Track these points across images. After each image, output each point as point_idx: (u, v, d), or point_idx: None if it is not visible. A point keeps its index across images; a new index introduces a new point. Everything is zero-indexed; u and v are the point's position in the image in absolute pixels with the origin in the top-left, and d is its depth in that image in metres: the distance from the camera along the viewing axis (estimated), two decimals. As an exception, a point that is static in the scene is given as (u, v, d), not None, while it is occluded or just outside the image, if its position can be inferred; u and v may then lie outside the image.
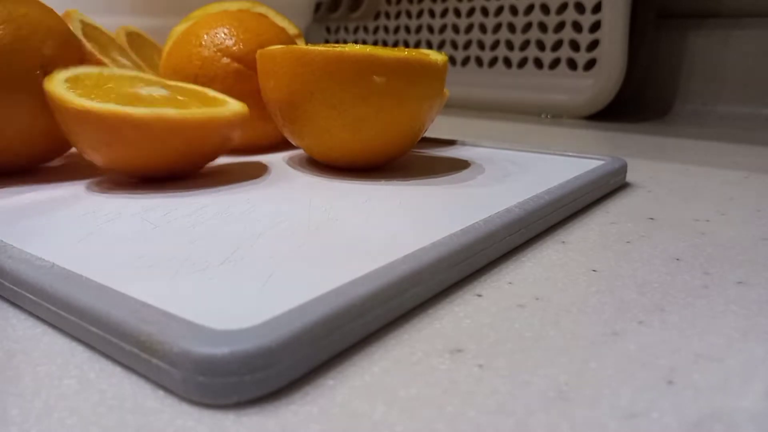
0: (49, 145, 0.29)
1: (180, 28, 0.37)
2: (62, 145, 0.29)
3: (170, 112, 0.25)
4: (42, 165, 0.31)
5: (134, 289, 0.15)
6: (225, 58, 0.33)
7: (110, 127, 0.24)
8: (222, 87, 0.33)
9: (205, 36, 0.34)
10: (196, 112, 0.26)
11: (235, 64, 0.33)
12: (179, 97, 0.28)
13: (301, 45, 0.35)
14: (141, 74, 0.30)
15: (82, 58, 0.30)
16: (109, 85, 0.27)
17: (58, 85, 0.25)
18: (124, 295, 0.15)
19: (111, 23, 0.44)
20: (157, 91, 0.28)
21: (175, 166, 0.27)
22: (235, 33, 0.34)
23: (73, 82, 0.26)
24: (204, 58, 0.34)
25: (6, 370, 0.14)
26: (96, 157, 0.26)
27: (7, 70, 0.26)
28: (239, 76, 0.34)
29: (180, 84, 0.31)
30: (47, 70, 0.27)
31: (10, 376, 0.13)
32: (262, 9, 0.39)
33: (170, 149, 0.26)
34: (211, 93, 0.30)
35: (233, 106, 0.28)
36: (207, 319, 0.14)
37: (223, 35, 0.34)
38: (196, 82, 0.34)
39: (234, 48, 0.34)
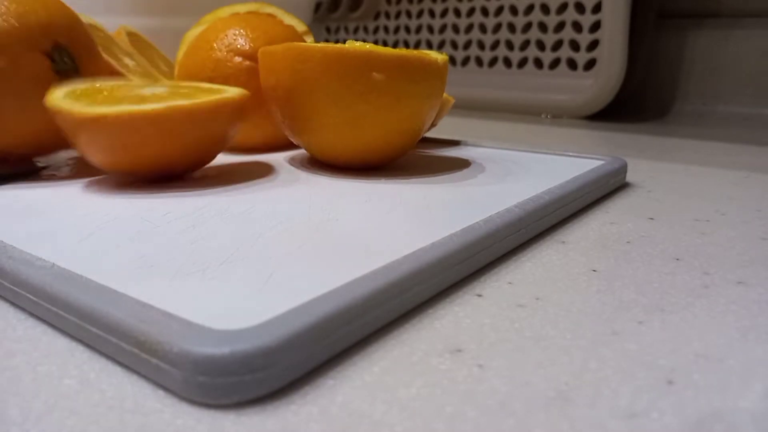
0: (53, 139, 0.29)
1: (192, 33, 0.38)
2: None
3: (183, 102, 0.25)
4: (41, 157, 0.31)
5: (134, 289, 0.15)
6: (237, 57, 0.34)
7: (128, 128, 0.24)
8: (236, 85, 0.34)
9: (217, 39, 0.35)
10: (205, 98, 0.26)
11: (247, 62, 0.34)
12: (182, 90, 0.28)
13: (303, 42, 0.35)
14: (135, 81, 0.30)
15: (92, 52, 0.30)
16: (112, 93, 0.27)
17: (61, 99, 0.25)
18: (124, 295, 0.15)
19: (111, 23, 0.44)
20: (159, 90, 0.28)
21: (190, 157, 0.27)
22: (245, 33, 0.35)
23: (73, 96, 0.26)
24: (217, 60, 0.34)
25: (6, 370, 0.14)
26: (109, 161, 0.26)
27: (13, 52, 0.26)
28: (252, 73, 0.34)
29: (176, 82, 0.31)
30: (54, 57, 0.27)
31: (10, 376, 0.13)
32: (270, 9, 0.39)
33: (186, 139, 0.26)
34: (206, 85, 0.30)
35: (235, 90, 0.28)
36: (207, 319, 0.14)
37: (233, 36, 0.35)
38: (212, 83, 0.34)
39: (245, 47, 0.34)
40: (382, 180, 0.28)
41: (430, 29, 0.76)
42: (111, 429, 0.12)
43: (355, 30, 0.84)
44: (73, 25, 0.29)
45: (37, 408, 0.12)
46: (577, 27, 0.63)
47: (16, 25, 0.27)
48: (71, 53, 0.29)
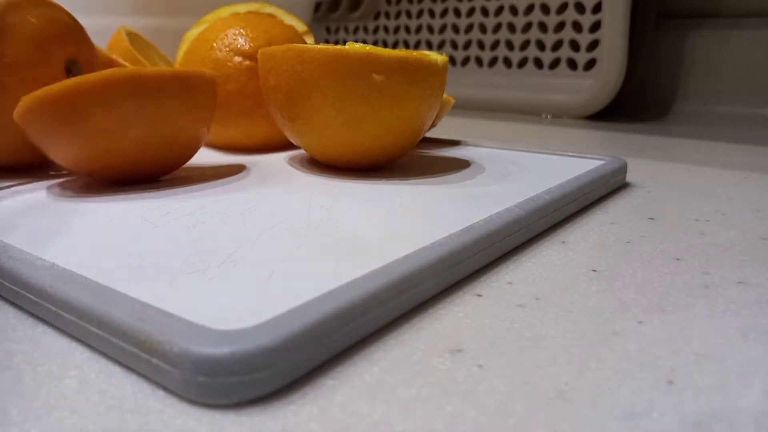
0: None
1: (193, 33, 0.38)
2: None
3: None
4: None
5: (134, 289, 0.15)
6: (237, 57, 0.34)
7: (126, 90, 0.24)
8: (236, 85, 0.34)
9: (217, 39, 0.35)
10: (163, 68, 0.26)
11: (248, 62, 0.34)
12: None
13: (304, 43, 0.35)
14: None
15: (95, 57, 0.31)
16: None
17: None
18: (124, 295, 0.15)
19: (111, 23, 0.44)
20: None
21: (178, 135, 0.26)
22: (245, 32, 0.35)
23: None
24: (217, 60, 0.34)
25: (6, 370, 0.14)
26: (104, 147, 0.25)
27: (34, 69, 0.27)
28: (252, 72, 0.34)
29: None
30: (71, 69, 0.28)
31: (10, 376, 0.13)
32: (270, 9, 0.39)
33: (174, 105, 0.25)
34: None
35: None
36: (207, 319, 0.14)
37: (233, 36, 0.35)
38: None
39: (245, 46, 0.34)
40: (382, 180, 0.28)
41: (430, 29, 0.76)
42: (111, 429, 0.12)
43: (355, 30, 0.84)
44: (83, 36, 0.30)
45: (37, 408, 0.12)
46: (577, 27, 0.63)
47: (38, 46, 0.27)
48: (80, 63, 0.29)
